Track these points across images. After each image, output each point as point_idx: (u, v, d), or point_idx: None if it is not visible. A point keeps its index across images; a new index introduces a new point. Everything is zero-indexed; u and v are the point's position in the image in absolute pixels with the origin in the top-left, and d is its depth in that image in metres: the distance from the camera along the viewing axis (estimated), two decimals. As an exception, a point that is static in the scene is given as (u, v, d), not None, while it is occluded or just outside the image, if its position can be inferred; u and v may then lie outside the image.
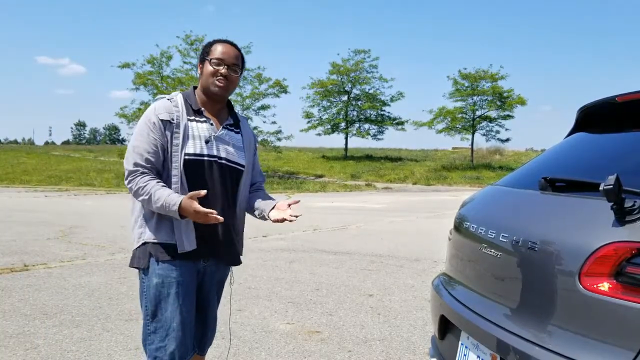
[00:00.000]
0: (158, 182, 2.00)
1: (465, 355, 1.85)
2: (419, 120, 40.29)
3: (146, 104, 31.21)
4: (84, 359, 3.28)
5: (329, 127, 42.52)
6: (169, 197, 1.95)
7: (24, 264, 6.18)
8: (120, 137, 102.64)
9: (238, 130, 2.23)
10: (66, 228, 9.69)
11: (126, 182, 2.04)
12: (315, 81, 41.63)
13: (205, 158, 2.06)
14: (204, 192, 1.94)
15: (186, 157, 2.02)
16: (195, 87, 2.20)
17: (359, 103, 42.13)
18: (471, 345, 1.81)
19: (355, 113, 42.56)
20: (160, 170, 2.05)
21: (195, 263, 2.10)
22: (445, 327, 2.09)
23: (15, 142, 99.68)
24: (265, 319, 4.12)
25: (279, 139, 35.68)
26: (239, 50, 2.18)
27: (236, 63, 2.14)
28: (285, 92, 35.00)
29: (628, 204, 1.34)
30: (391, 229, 10.56)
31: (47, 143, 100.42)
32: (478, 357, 1.75)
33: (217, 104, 2.17)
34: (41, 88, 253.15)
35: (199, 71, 2.16)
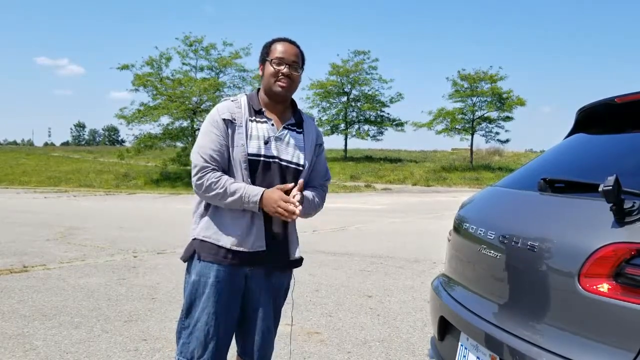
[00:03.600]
0: (229, 177, 2.03)
1: (464, 356, 1.85)
2: (419, 122, 40.32)
3: (146, 105, 31.21)
4: (83, 361, 3.28)
5: (329, 128, 42.49)
6: (248, 188, 1.98)
7: (23, 265, 6.17)
8: (120, 138, 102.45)
9: (300, 130, 2.20)
10: (65, 229, 9.68)
11: (195, 178, 2.04)
12: (315, 82, 41.64)
13: (263, 159, 2.06)
14: (290, 185, 1.99)
15: (249, 157, 2.04)
16: (259, 89, 2.20)
17: (358, 104, 42.13)
18: (471, 346, 1.81)
19: (354, 114, 42.56)
20: (225, 169, 2.06)
21: (239, 267, 2.06)
22: (445, 328, 2.09)
23: (15, 143, 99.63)
24: (265, 320, 4.12)
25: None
26: (298, 47, 2.16)
27: (296, 61, 2.12)
28: (285, 93, 34.98)
29: (627, 205, 1.34)
30: (390, 229, 10.56)
31: (46, 144, 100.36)
32: (477, 358, 1.75)
33: (280, 104, 2.16)
34: (40, 89, 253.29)
35: (259, 72, 2.17)
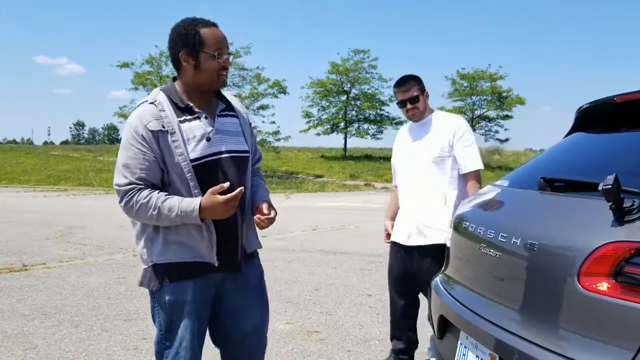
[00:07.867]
0: (160, 192, 1.80)
1: (464, 355, 1.85)
2: (418, 120, 40.31)
3: (145, 104, 31.18)
4: (82, 359, 3.28)
5: (328, 127, 42.52)
6: (182, 203, 1.76)
7: (23, 264, 6.17)
8: (119, 137, 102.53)
9: (233, 112, 1.99)
10: (65, 228, 9.68)
11: (122, 203, 1.82)
12: (315, 81, 41.65)
13: (210, 158, 1.84)
14: (227, 184, 1.76)
15: (193, 164, 1.81)
16: (174, 79, 1.93)
17: (358, 103, 42.15)
18: (470, 345, 1.81)
19: (354, 113, 42.58)
20: (158, 184, 1.84)
21: (209, 277, 1.92)
22: (445, 327, 2.09)
23: (14, 142, 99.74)
24: (265, 319, 4.12)
25: (278, 140, 35.69)
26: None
27: (228, 46, 1.90)
28: (285, 92, 34.99)
29: (627, 203, 1.34)
30: (390, 228, 10.54)
31: (46, 143, 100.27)
32: (477, 357, 1.75)
33: (206, 94, 1.92)
34: (39, 88, 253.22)
35: (183, 63, 1.86)
